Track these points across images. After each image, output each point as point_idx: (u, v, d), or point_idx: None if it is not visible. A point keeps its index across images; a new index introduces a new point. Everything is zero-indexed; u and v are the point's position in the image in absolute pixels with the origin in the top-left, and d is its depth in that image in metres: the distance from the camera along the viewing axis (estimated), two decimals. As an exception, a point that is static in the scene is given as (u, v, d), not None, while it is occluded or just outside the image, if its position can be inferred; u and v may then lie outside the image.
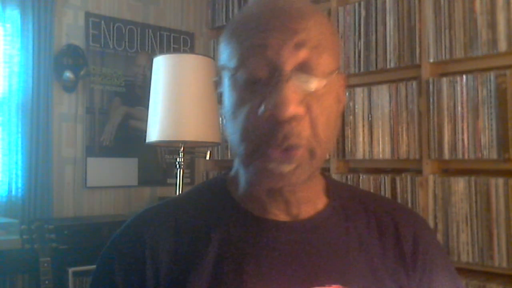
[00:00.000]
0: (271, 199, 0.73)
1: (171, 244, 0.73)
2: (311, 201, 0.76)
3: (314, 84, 0.66)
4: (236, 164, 0.77)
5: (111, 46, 3.28)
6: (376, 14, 2.48)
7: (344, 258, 0.73)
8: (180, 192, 2.24)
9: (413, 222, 0.81)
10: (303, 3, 0.70)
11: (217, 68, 0.76)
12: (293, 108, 0.63)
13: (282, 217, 0.74)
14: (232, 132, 0.70)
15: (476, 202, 2.09)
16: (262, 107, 0.65)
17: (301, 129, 0.65)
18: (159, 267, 0.71)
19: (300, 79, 0.65)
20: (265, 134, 0.65)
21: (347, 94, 2.52)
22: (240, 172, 0.75)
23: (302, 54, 0.65)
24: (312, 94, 0.66)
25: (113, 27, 3.30)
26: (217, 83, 0.76)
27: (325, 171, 2.75)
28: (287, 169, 0.66)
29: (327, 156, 0.69)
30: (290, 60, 0.65)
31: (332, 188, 0.79)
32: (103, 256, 0.77)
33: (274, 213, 0.74)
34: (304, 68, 0.66)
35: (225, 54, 0.71)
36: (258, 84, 0.66)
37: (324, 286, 0.70)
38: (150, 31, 3.46)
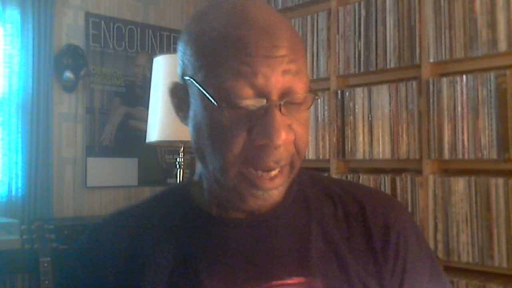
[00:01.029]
0: (231, 202, 0.73)
1: (129, 248, 0.74)
2: None
3: (297, 107, 0.68)
4: (200, 170, 0.77)
5: (111, 46, 3.28)
6: (376, 14, 2.47)
7: (305, 249, 0.72)
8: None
9: (383, 206, 0.79)
10: (279, 18, 0.70)
11: (176, 74, 0.76)
12: (284, 136, 0.65)
13: (237, 214, 0.74)
14: (215, 154, 0.68)
15: (476, 202, 2.09)
16: (255, 136, 0.66)
17: (287, 151, 0.68)
18: (118, 271, 0.73)
19: (286, 105, 0.67)
20: (254, 161, 0.67)
21: (347, 94, 2.52)
22: (207, 180, 0.74)
23: (287, 80, 0.66)
24: (295, 117, 0.68)
25: (113, 27, 3.30)
26: (175, 91, 0.75)
27: (325, 171, 2.71)
28: (275, 192, 0.69)
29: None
30: (278, 87, 0.66)
31: (296, 181, 0.77)
32: (70, 263, 0.79)
33: (230, 211, 0.74)
34: (287, 94, 0.67)
35: (194, 66, 0.69)
36: (243, 110, 0.66)
37: (284, 280, 0.70)
38: (150, 31, 3.46)
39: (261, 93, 0.65)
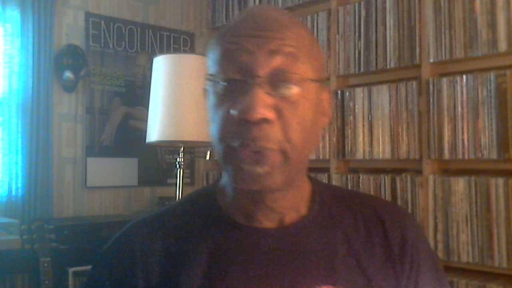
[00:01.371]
0: (255, 205, 0.74)
1: (161, 256, 0.74)
2: (294, 208, 0.77)
3: (287, 90, 0.68)
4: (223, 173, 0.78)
5: (111, 46, 3.28)
6: (376, 14, 2.48)
7: (331, 259, 0.74)
8: (180, 192, 2.24)
9: (400, 220, 0.81)
10: (284, 15, 0.73)
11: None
12: (261, 111, 0.65)
13: (266, 224, 0.75)
14: (212, 136, 0.72)
15: (476, 202, 2.09)
16: (233, 110, 0.67)
17: (270, 132, 0.67)
18: (150, 279, 0.72)
19: (272, 84, 0.67)
20: (237, 136, 0.68)
21: (347, 94, 2.52)
22: (225, 179, 0.77)
23: (276, 60, 0.67)
24: (285, 100, 0.68)
25: (113, 27, 3.30)
26: (205, 94, 0.78)
27: (325, 171, 2.71)
28: (260, 170, 0.68)
29: (306, 163, 0.72)
30: (264, 65, 0.67)
31: (317, 192, 0.80)
32: (94, 268, 0.78)
33: (259, 220, 0.75)
34: (278, 74, 0.67)
35: (209, 63, 0.74)
36: (233, 88, 0.68)
37: (313, 287, 0.71)
38: (150, 31, 3.46)
39: (247, 70, 0.68)
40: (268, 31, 0.69)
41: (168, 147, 3.16)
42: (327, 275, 0.72)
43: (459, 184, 2.14)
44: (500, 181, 2.02)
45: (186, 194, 0.85)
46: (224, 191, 0.78)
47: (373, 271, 0.75)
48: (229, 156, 0.69)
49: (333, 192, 0.84)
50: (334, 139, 2.56)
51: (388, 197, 2.36)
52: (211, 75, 0.72)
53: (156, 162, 3.44)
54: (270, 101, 0.67)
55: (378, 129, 2.42)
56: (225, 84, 0.69)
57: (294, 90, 0.68)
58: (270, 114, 0.66)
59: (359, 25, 2.54)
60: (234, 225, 0.75)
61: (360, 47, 2.53)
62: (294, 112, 0.68)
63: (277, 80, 0.68)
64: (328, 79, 2.61)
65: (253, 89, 0.66)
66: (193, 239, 0.75)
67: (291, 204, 0.76)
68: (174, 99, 2.14)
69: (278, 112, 0.67)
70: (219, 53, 0.71)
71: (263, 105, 0.66)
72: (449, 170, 2.29)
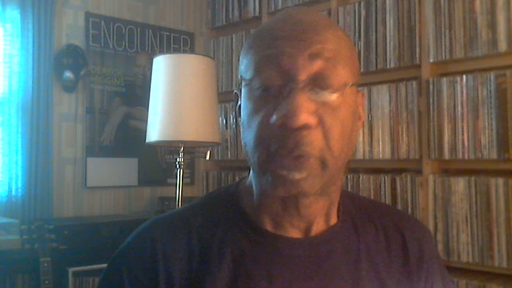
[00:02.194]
0: (284, 212, 0.72)
1: (185, 258, 0.72)
2: (324, 216, 0.75)
3: (328, 95, 0.66)
4: (251, 174, 0.76)
5: (111, 46, 3.28)
6: (376, 14, 2.48)
7: (355, 271, 0.74)
8: (180, 192, 2.24)
9: (418, 232, 0.82)
10: (321, 17, 0.71)
11: (237, 80, 0.78)
12: (304, 117, 0.64)
13: (294, 232, 0.74)
14: (247, 141, 0.70)
15: (476, 202, 2.09)
16: (274, 116, 0.65)
17: (313, 138, 0.65)
18: (172, 281, 0.70)
19: (313, 89, 0.66)
20: (277, 142, 0.66)
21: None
22: (255, 183, 0.75)
23: (317, 64, 0.66)
24: (326, 105, 0.66)
25: (113, 27, 3.30)
26: (237, 96, 0.77)
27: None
28: (298, 176, 0.66)
29: (342, 171, 0.72)
30: (304, 69, 0.65)
31: (341, 202, 0.79)
32: (112, 265, 0.75)
33: (286, 228, 0.73)
34: (318, 79, 0.66)
35: (243, 66, 0.72)
36: (272, 93, 0.67)
37: None
38: (150, 31, 3.46)
39: (287, 74, 0.66)
40: (308, 34, 0.67)
41: (168, 147, 3.16)
42: (351, 286, 0.73)
43: (459, 184, 2.14)
44: (500, 181, 2.02)
45: (206, 193, 0.82)
46: (249, 195, 0.76)
47: (391, 284, 0.75)
48: (267, 162, 0.67)
49: (356, 202, 0.83)
50: (334, 139, 2.56)
51: (388, 197, 2.36)
52: (246, 79, 0.70)
53: (156, 162, 3.44)
54: (312, 106, 0.65)
55: (378, 129, 2.42)
56: (264, 89, 0.67)
57: (334, 96, 0.66)
58: (312, 120, 0.65)
59: (359, 25, 2.54)
60: (260, 231, 0.73)
61: (360, 47, 2.53)
62: (335, 118, 0.67)
63: (318, 84, 0.66)
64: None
65: (295, 94, 0.64)
66: (218, 243, 0.73)
67: (321, 211, 0.74)
68: (174, 99, 2.14)
69: (320, 117, 0.66)
70: (256, 56, 0.68)
71: (305, 110, 0.64)
72: (449, 170, 2.29)
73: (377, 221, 0.80)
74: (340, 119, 0.67)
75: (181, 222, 0.75)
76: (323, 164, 0.67)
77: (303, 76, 0.65)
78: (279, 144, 0.66)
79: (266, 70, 0.67)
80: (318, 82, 0.66)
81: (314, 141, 0.65)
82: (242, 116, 0.72)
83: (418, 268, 0.78)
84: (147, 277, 0.71)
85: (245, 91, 0.71)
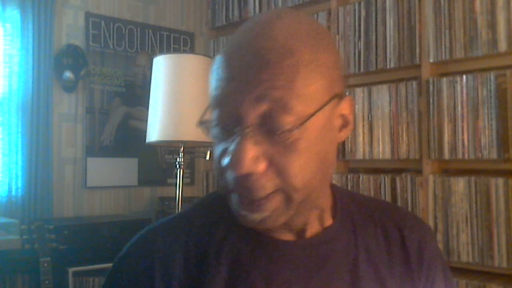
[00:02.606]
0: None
1: (182, 263, 0.72)
2: (317, 220, 0.75)
3: (279, 135, 0.63)
4: None
5: (111, 46, 3.28)
6: (376, 14, 2.48)
7: (354, 272, 0.73)
8: (180, 192, 2.24)
9: (418, 229, 0.81)
10: (282, 37, 0.64)
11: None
12: (247, 165, 0.62)
13: (288, 236, 0.73)
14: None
15: (476, 202, 2.09)
16: (225, 159, 0.65)
17: (264, 182, 0.64)
18: (170, 286, 0.70)
19: (262, 131, 0.63)
20: (232, 184, 0.65)
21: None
22: None
23: (263, 107, 0.62)
24: (278, 145, 0.63)
25: (113, 27, 3.30)
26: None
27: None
28: (259, 217, 0.65)
29: (322, 189, 0.70)
30: (250, 113, 0.62)
31: (339, 201, 0.79)
32: (111, 273, 0.76)
33: (280, 232, 0.73)
34: (267, 120, 0.63)
35: (210, 87, 0.71)
36: (225, 132, 0.66)
37: None
38: (150, 31, 3.46)
39: (235, 118, 0.64)
40: (255, 72, 0.62)
41: (168, 147, 3.16)
42: (350, 286, 0.72)
43: (459, 184, 2.14)
44: (500, 181, 2.02)
45: (201, 197, 0.82)
46: None
47: (391, 283, 0.75)
48: (228, 196, 0.68)
49: (357, 200, 0.82)
50: (334, 139, 2.56)
51: (388, 197, 2.36)
52: (208, 112, 0.68)
53: (156, 162, 3.44)
54: (259, 150, 0.63)
55: (378, 129, 2.42)
56: (218, 126, 0.66)
57: (287, 135, 0.63)
58: (258, 167, 0.63)
59: (359, 25, 2.54)
60: (255, 235, 0.73)
61: (360, 47, 2.53)
62: (291, 155, 0.64)
63: (267, 126, 0.63)
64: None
65: (240, 141, 0.62)
66: (215, 245, 0.73)
67: (312, 219, 0.73)
68: (174, 99, 2.14)
69: (271, 160, 0.63)
70: (212, 91, 0.67)
71: (250, 158, 0.62)
72: (449, 170, 2.29)
73: (377, 220, 0.80)
74: (299, 155, 0.64)
75: (178, 226, 0.75)
76: (287, 199, 0.65)
77: (250, 120, 0.62)
78: (234, 186, 0.65)
79: (217, 111, 0.66)
80: (267, 124, 0.63)
81: (265, 184, 0.64)
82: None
83: (419, 267, 0.78)
84: (145, 286, 0.71)
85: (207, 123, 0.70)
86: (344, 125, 0.71)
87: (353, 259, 0.74)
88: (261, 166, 0.63)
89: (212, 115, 0.67)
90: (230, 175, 0.65)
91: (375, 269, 0.75)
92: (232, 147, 0.63)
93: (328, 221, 0.76)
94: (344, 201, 0.80)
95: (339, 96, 0.69)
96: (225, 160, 0.64)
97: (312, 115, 0.64)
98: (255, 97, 0.62)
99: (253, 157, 0.62)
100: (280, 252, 0.72)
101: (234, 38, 0.68)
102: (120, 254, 0.76)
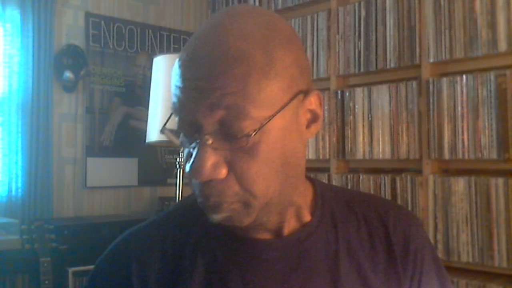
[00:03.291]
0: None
1: (158, 268, 0.73)
2: (294, 217, 0.74)
3: (237, 141, 0.63)
4: None
5: (111, 46, 3.28)
6: (376, 14, 2.47)
7: (335, 270, 0.72)
8: (180, 192, 2.24)
9: (403, 221, 0.79)
10: (235, 40, 0.64)
11: None
12: (206, 172, 0.62)
13: (265, 235, 0.73)
14: None
15: (476, 202, 2.09)
16: (186, 166, 0.65)
17: (223, 188, 0.64)
18: (149, 280, 0.72)
19: (219, 138, 0.63)
20: (195, 188, 0.67)
21: (347, 94, 2.52)
22: None
23: (218, 114, 0.62)
24: (238, 150, 0.64)
25: (113, 27, 3.30)
26: None
27: (325, 171, 2.70)
28: (220, 217, 0.66)
29: (292, 186, 0.70)
30: (206, 121, 0.63)
31: (319, 196, 0.78)
32: (91, 275, 0.77)
33: (256, 231, 0.72)
34: (224, 126, 0.63)
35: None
36: (188, 138, 0.66)
37: None
38: (150, 31, 3.46)
39: (193, 125, 0.64)
40: (206, 80, 0.62)
41: (168, 147, 3.16)
42: (329, 285, 0.71)
43: (459, 184, 2.14)
44: (500, 181, 2.02)
45: (179, 201, 0.85)
46: None
47: (374, 280, 0.73)
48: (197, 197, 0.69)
49: (336, 194, 0.81)
50: (334, 139, 2.56)
51: (388, 197, 2.35)
52: (171, 119, 0.69)
53: (156, 162, 3.44)
54: (218, 157, 0.63)
55: (378, 129, 2.42)
56: (182, 132, 0.67)
57: (246, 139, 0.63)
58: (218, 174, 0.63)
59: (359, 25, 2.54)
60: (231, 235, 0.73)
61: (360, 47, 2.53)
62: (251, 161, 0.64)
63: (224, 133, 0.63)
64: (328, 79, 2.61)
65: (199, 148, 0.63)
66: (191, 249, 0.73)
67: (288, 217, 0.73)
68: (174, 99, 2.14)
69: (230, 166, 0.64)
70: (172, 98, 0.67)
71: (210, 165, 0.62)
72: (449, 170, 2.29)
73: (360, 215, 0.78)
74: (259, 159, 0.64)
75: (156, 230, 0.76)
76: (245, 205, 0.65)
77: (207, 127, 0.63)
78: (196, 191, 0.67)
79: (177, 118, 0.66)
80: (224, 131, 0.63)
81: (225, 190, 0.64)
82: None
83: (404, 261, 0.76)
84: (132, 280, 0.72)
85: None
86: (313, 119, 0.71)
87: (334, 257, 0.73)
88: (221, 172, 0.63)
89: (175, 121, 0.67)
90: (193, 181, 0.66)
91: (357, 267, 0.74)
92: (193, 154, 0.64)
93: (307, 218, 0.75)
94: (326, 197, 0.79)
95: (303, 92, 0.68)
96: (187, 167, 0.65)
97: (270, 118, 0.63)
98: (209, 104, 0.62)
99: (213, 164, 0.63)
100: (255, 253, 0.72)
101: (189, 43, 0.68)
102: (100, 257, 0.78)
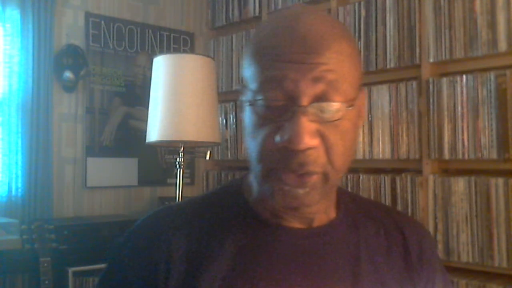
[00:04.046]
0: (285, 211, 0.74)
1: (185, 248, 0.74)
2: (323, 213, 0.77)
3: (330, 115, 0.68)
4: (252, 175, 0.78)
5: (111, 46, 3.28)
6: (376, 14, 2.48)
7: (354, 266, 0.75)
8: (180, 192, 2.25)
9: (417, 231, 0.83)
10: (325, 27, 0.70)
11: (237, 80, 0.78)
12: (307, 141, 0.66)
13: (296, 224, 0.75)
14: (251, 151, 0.73)
15: (476, 202, 2.09)
16: (278, 137, 0.67)
17: (316, 157, 0.68)
18: (171, 270, 0.72)
19: (316, 111, 0.67)
20: (280, 162, 0.68)
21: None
22: (255, 185, 0.77)
23: (319, 88, 0.67)
24: (328, 124, 0.68)
25: (113, 27, 3.30)
26: (240, 92, 0.78)
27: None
28: (301, 191, 0.69)
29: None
30: (307, 93, 0.67)
31: (341, 199, 0.81)
32: (117, 249, 0.78)
33: (288, 220, 0.75)
34: (320, 100, 0.67)
35: (247, 73, 0.73)
36: (275, 112, 0.68)
37: None
38: (150, 31, 3.46)
39: (290, 97, 0.67)
40: (311, 56, 0.67)
41: (168, 147, 3.16)
42: (350, 282, 0.73)
43: (459, 184, 2.14)
44: (500, 181, 2.02)
45: (224, 184, 0.86)
46: (251, 189, 0.78)
47: (390, 281, 0.76)
48: (269, 177, 0.70)
49: (357, 201, 0.85)
50: (334, 139, 2.56)
51: (388, 197, 2.36)
52: (251, 90, 0.71)
53: (156, 162, 3.44)
54: (314, 127, 0.67)
55: (378, 129, 2.42)
56: (267, 107, 0.69)
57: (337, 115, 0.68)
58: (315, 142, 0.67)
59: (359, 25, 2.54)
60: (262, 222, 0.75)
61: (360, 47, 2.53)
62: (337, 134, 0.69)
63: (321, 106, 0.67)
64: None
65: (298, 118, 0.66)
66: (219, 234, 0.75)
67: (321, 210, 0.76)
68: (174, 99, 2.14)
69: (322, 137, 0.68)
70: (259, 75, 0.70)
71: (308, 134, 0.66)
72: (449, 170, 2.29)
73: (377, 220, 0.81)
74: (343, 134, 0.69)
75: (184, 216, 0.78)
76: (325, 178, 0.69)
77: (306, 100, 0.67)
78: (283, 164, 0.68)
79: (269, 91, 0.68)
80: (320, 104, 0.67)
81: (317, 159, 0.68)
82: (246, 123, 0.74)
83: (419, 266, 0.79)
84: (148, 267, 0.73)
85: (249, 100, 0.72)
86: (361, 118, 0.76)
87: (355, 254, 0.76)
88: (316, 141, 0.67)
89: (254, 96, 0.70)
90: (282, 151, 0.67)
91: (375, 267, 0.76)
92: (288, 124, 0.66)
93: (333, 214, 0.79)
94: (345, 199, 0.82)
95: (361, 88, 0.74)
96: (279, 138, 0.67)
97: (355, 98, 0.70)
98: (312, 78, 0.67)
99: (311, 132, 0.67)
100: (282, 240, 0.74)
101: (275, 28, 0.71)
102: (125, 236, 0.79)
